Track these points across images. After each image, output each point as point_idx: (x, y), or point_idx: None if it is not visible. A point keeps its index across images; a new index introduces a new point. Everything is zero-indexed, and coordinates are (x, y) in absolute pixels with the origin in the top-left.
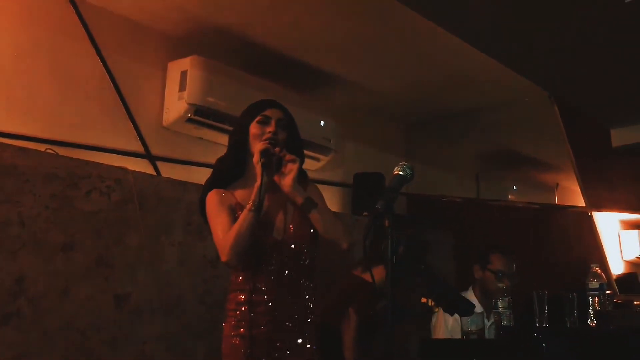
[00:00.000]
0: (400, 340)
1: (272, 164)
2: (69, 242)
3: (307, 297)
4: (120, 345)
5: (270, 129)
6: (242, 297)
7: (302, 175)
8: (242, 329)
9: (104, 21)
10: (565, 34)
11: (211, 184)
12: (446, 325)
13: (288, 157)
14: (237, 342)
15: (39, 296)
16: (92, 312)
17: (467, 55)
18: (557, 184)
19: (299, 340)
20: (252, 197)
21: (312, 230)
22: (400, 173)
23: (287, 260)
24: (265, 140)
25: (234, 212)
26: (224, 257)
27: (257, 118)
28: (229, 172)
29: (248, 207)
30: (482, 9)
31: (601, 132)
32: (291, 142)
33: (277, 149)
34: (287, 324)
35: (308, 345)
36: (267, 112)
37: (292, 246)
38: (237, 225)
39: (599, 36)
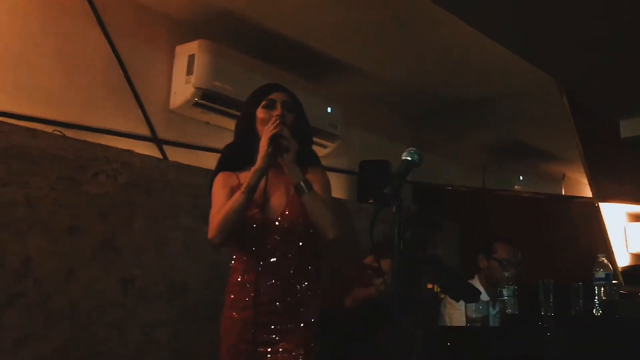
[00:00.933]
0: (407, 328)
1: (281, 150)
2: (75, 225)
3: (302, 280)
4: (126, 328)
5: (276, 112)
6: (235, 277)
7: (310, 157)
8: (234, 311)
9: (112, 4)
10: (575, 22)
11: (218, 168)
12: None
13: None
14: (229, 323)
15: (44, 278)
16: (97, 294)
17: (476, 43)
18: (564, 175)
19: (290, 325)
20: (248, 179)
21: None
22: (408, 158)
23: (279, 242)
24: (273, 124)
25: (233, 192)
26: (209, 234)
27: (263, 102)
28: (237, 158)
29: (241, 189)
30: None
31: (610, 123)
32: (298, 124)
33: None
34: (277, 305)
35: (301, 330)
36: (272, 96)
37: (286, 227)
38: (227, 206)
39: (610, 26)
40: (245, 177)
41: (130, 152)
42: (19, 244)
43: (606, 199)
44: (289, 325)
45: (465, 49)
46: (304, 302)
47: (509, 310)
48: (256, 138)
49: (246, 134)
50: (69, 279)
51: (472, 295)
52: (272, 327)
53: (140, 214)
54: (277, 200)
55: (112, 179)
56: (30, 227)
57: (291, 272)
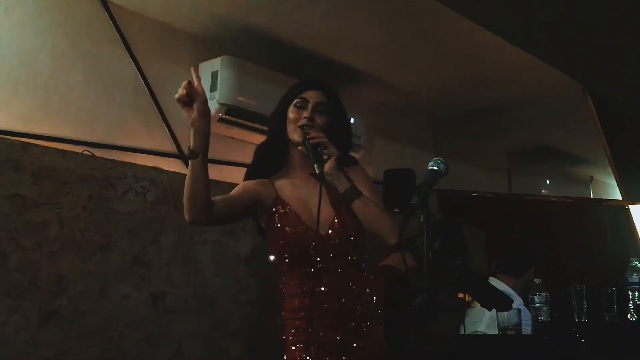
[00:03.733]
0: (435, 335)
1: (320, 160)
2: (106, 242)
3: (361, 293)
4: (157, 343)
5: (306, 114)
6: (291, 302)
7: (347, 158)
8: (302, 337)
9: (135, 24)
10: (599, 25)
11: (249, 173)
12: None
13: (315, 138)
14: (298, 351)
15: (77, 296)
16: (129, 311)
17: (498, 49)
18: (592, 178)
19: (355, 345)
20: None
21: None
22: (435, 168)
23: (332, 259)
24: (300, 126)
25: (257, 196)
26: (187, 218)
27: (295, 101)
28: (269, 159)
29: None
30: (514, 1)
31: (637, 124)
32: (334, 126)
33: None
34: (340, 325)
35: (369, 347)
36: (306, 95)
37: (338, 241)
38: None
39: (634, 27)
40: (281, 185)
41: (157, 169)
42: (52, 263)
43: (636, 201)
44: (354, 345)
45: (487, 55)
46: (369, 316)
47: (541, 318)
48: (287, 138)
49: (277, 133)
50: (101, 296)
51: (504, 304)
52: (338, 349)
53: (169, 230)
54: (325, 214)
55: (140, 196)
56: (63, 246)
57: (347, 286)
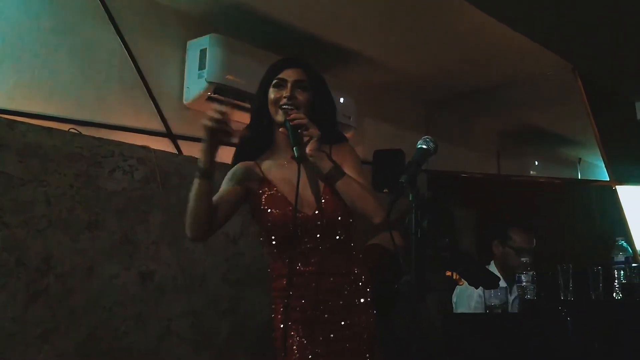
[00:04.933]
0: (424, 315)
1: (300, 141)
2: (94, 221)
3: (349, 272)
4: (146, 321)
5: (286, 93)
6: (280, 283)
7: (334, 135)
8: (290, 315)
9: (122, 1)
10: (590, 5)
11: (236, 157)
12: (469, 304)
13: (295, 119)
14: (286, 329)
15: (65, 274)
16: (117, 289)
17: (489, 29)
18: (580, 159)
19: (343, 322)
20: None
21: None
22: (424, 147)
23: (319, 240)
24: (281, 107)
25: (250, 183)
26: (188, 235)
27: (274, 81)
28: (254, 141)
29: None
30: None
31: (626, 105)
32: (317, 102)
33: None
34: (328, 304)
35: (357, 326)
36: (283, 74)
37: (325, 222)
38: (190, 198)
39: (624, 7)
40: (267, 166)
41: (145, 148)
42: (39, 241)
43: (623, 181)
44: (342, 323)
45: (478, 35)
46: (356, 295)
47: (527, 296)
48: (270, 119)
49: (260, 115)
50: (90, 274)
51: (491, 282)
52: (325, 326)
53: (157, 208)
54: (311, 195)
55: (128, 174)
56: (50, 224)
57: (334, 266)
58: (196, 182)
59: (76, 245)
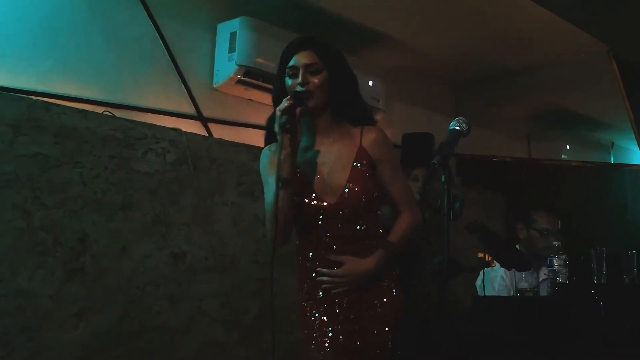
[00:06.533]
0: (454, 296)
1: (296, 124)
2: (127, 202)
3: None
4: (178, 301)
5: (299, 80)
6: (303, 264)
7: (363, 115)
8: (313, 295)
9: None
10: None
11: (266, 141)
12: (493, 286)
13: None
14: (309, 307)
15: (100, 254)
16: (150, 269)
17: (519, 10)
18: (613, 143)
19: (365, 304)
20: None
21: (375, 194)
22: (457, 128)
23: (340, 227)
24: (289, 98)
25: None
26: (278, 244)
27: (287, 72)
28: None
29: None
30: None
31: None
32: (332, 81)
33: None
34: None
35: (379, 307)
36: (294, 61)
37: (347, 211)
38: (272, 206)
39: None
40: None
41: (177, 131)
42: (75, 221)
43: None
44: (364, 304)
45: (507, 16)
46: (376, 282)
47: (559, 280)
48: None
49: (280, 101)
50: (123, 254)
51: (524, 264)
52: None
53: (189, 190)
54: (336, 181)
55: (160, 157)
56: (85, 205)
57: (357, 255)
58: (279, 195)
59: (110, 226)
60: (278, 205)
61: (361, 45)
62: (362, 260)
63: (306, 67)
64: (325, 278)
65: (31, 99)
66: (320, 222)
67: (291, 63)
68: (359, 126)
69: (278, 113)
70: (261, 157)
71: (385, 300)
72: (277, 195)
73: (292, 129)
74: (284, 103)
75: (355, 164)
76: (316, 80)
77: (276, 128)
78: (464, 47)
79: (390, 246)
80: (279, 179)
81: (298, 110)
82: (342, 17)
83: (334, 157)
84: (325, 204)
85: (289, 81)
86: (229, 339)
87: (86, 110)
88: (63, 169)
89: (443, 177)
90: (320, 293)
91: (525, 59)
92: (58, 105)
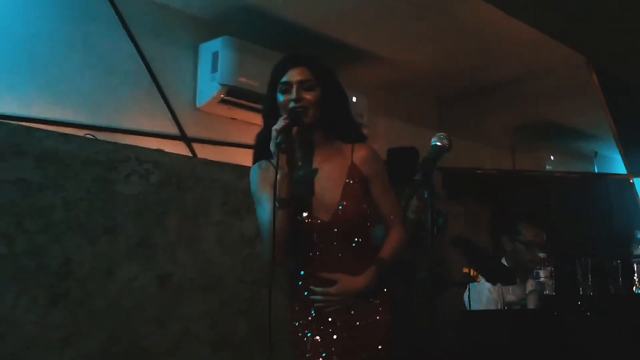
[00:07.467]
0: (441, 311)
1: (293, 144)
2: (111, 225)
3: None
4: (165, 323)
5: (292, 96)
6: (296, 282)
7: (354, 132)
8: (304, 315)
9: (134, 6)
10: None
11: (255, 158)
12: (480, 299)
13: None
14: (300, 327)
15: (85, 278)
16: (136, 291)
17: (501, 24)
18: (596, 153)
19: (358, 323)
20: (279, 190)
21: (368, 211)
22: (438, 143)
23: (336, 244)
24: (285, 117)
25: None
26: (276, 264)
27: (279, 87)
28: (268, 142)
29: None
30: None
31: None
32: (327, 96)
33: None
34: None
35: (372, 326)
36: (287, 76)
37: (341, 228)
38: (269, 226)
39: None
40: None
41: (160, 152)
42: (58, 246)
43: None
44: (357, 323)
45: (490, 30)
46: (369, 300)
47: (546, 292)
48: None
49: (270, 118)
50: (109, 278)
51: (508, 278)
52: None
53: (173, 211)
54: (329, 199)
55: (144, 178)
56: (69, 229)
57: (351, 273)
58: (278, 215)
59: (94, 249)
60: (276, 226)
61: (343, 61)
62: (355, 278)
63: (300, 83)
64: (319, 297)
65: (11, 123)
66: (314, 240)
67: (284, 79)
68: (350, 143)
69: (274, 133)
70: (251, 174)
71: (377, 318)
72: (274, 216)
73: (288, 148)
74: (281, 122)
75: (347, 180)
76: (310, 97)
77: (272, 147)
78: (446, 61)
79: (382, 263)
80: (276, 199)
81: (294, 129)
82: (324, 35)
83: (326, 174)
84: (319, 221)
85: (280, 97)
86: None
87: (68, 134)
88: (45, 194)
89: (426, 192)
90: (313, 312)
91: (508, 72)
92: (39, 129)
